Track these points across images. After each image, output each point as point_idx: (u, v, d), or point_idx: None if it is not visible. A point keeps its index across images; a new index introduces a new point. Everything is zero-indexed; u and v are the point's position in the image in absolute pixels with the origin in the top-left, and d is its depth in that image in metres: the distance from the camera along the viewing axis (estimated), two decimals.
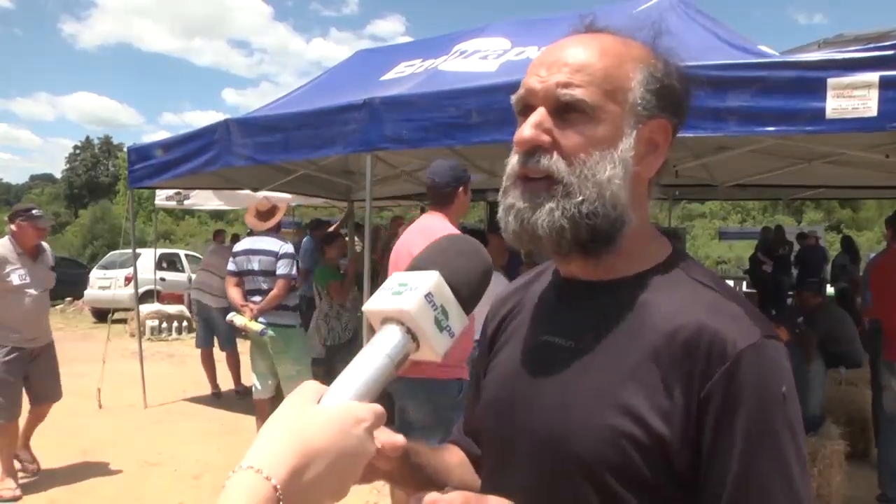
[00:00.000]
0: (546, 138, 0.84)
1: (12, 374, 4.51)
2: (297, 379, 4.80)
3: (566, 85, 0.83)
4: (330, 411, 0.66)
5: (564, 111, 0.84)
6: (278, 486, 0.58)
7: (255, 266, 5.00)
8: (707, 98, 3.23)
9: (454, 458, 1.06)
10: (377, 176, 6.08)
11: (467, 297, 0.78)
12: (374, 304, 0.76)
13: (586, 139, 0.83)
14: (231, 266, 5.14)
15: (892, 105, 2.92)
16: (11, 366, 4.49)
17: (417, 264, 0.80)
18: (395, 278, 0.78)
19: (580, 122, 0.83)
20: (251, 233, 5.59)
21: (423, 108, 4.31)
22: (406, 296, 0.74)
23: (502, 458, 0.92)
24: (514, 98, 0.90)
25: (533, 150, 0.84)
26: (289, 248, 5.09)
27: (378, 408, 0.68)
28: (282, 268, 4.95)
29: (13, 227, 4.65)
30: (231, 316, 4.99)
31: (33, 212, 4.74)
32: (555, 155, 0.84)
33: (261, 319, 4.89)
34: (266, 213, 5.23)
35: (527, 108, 0.87)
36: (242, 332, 5.00)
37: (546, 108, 0.85)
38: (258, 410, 5.11)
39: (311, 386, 0.70)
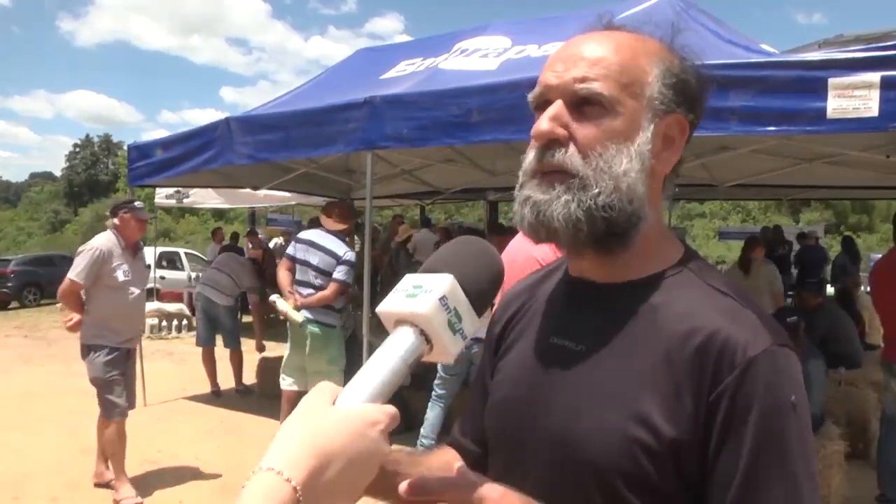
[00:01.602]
0: (562, 131, 0.83)
1: (117, 371, 4.32)
2: (326, 376, 4.82)
3: (583, 79, 0.83)
4: (346, 413, 0.66)
5: (581, 105, 0.84)
6: (298, 488, 0.59)
7: (314, 261, 4.99)
8: (709, 97, 3.23)
9: (449, 458, 1.05)
10: (377, 175, 6.08)
11: (479, 300, 0.79)
12: (388, 305, 0.77)
13: (603, 132, 0.83)
14: (290, 250, 5.17)
15: (893, 105, 2.92)
16: (114, 364, 4.30)
17: (430, 267, 0.80)
18: (408, 280, 0.79)
19: (597, 115, 0.83)
20: (311, 224, 5.46)
21: (424, 106, 4.31)
22: (421, 298, 0.74)
23: (512, 458, 0.92)
24: (530, 95, 0.89)
25: (549, 144, 0.84)
26: (351, 255, 5.05)
27: (392, 409, 0.69)
28: (340, 273, 4.95)
29: (116, 220, 4.41)
30: (274, 298, 5.01)
31: (135, 203, 4.54)
32: (571, 148, 0.83)
33: (304, 312, 4.91)
34: (342, 217, 5.22)
35: (544, 104, 0.86)
36: (281, 317, 5.03)
37: (563, 101, 0.84)
38: (285, 401, 5.12)
39: (326, 387, 0.70)
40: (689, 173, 6.77)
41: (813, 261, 11.17)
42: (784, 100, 3.17)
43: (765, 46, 3.92)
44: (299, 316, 4.91)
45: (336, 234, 5.11)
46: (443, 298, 0.74)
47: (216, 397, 7.14)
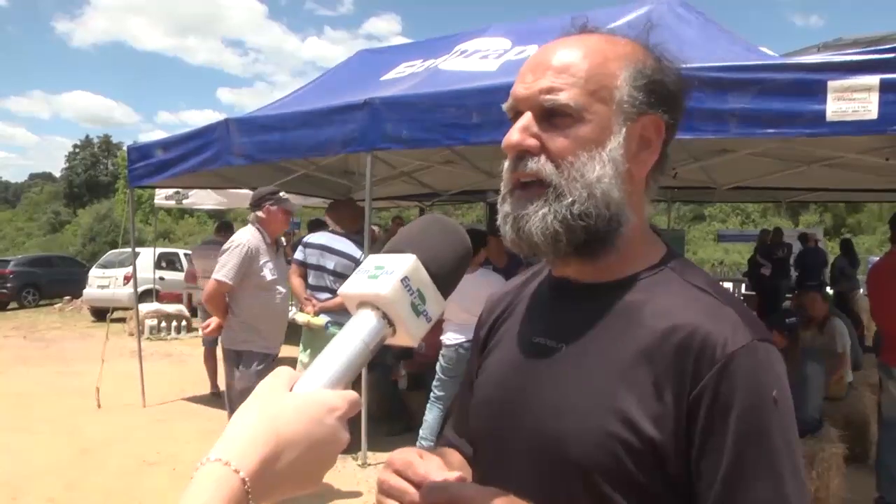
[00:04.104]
0: (533, 142, 0.85)
1: None
2: None
3: (549, 90, 0.83)
4: (302, 399, 0.64)
5: (550, 116, 0.84)
6: (247, 479, 0.57)
7: (330, 265, 4.94)
8: (707, 100, 3.24)
9: (454, 459, 1.06)
10: (376, 176, 6.08)
11: (445, 281, 0.77)
12: (350, 287, 0.74)
13: (573, 141, 0.84)
14: (299, 255, 5.08)
15: (893, 108, 2.92)
16: (266, 374, 4.06)
17: (394, 247, 0.78)
18: (371, 261, 0.77)
19: (566, 125, 0.84)
20: (312, 225, 5.30)
21: (424, 108, 4.31)
22: (382, 280, 0.72)
23: (496, 458, 0.92)
24: (505, 106, 0.90)
25: (521, 155, 0.85)
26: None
27: (352, 395, 0.67)
28: None
29: (261, 213, 4.05)
30: (293, 315, 4.91)
31: (281, 194, 4.18)
32: (542, 158, 0.84)
33: (323, 315, 4.86)
34: (351, 219, 5.12)
35: (518, 115, 0.87)
36: (307, 328, 4.95)
37: (532, 113, 0.85)
38: None
39: (283, 372, 0.68)
40: (688, 176, 6.77)
41: (813, 263, 11.16)
42: (783, 102, 3.17)
43: (764, 49, 3.93)
44: (321, 320, 4.82)
45: (347, 236, 5.04)
46: (405, 279, 0.72)
47: (215, 398, 7.13)
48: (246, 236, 3.96)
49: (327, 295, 4.91)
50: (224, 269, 3.85)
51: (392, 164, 7.51)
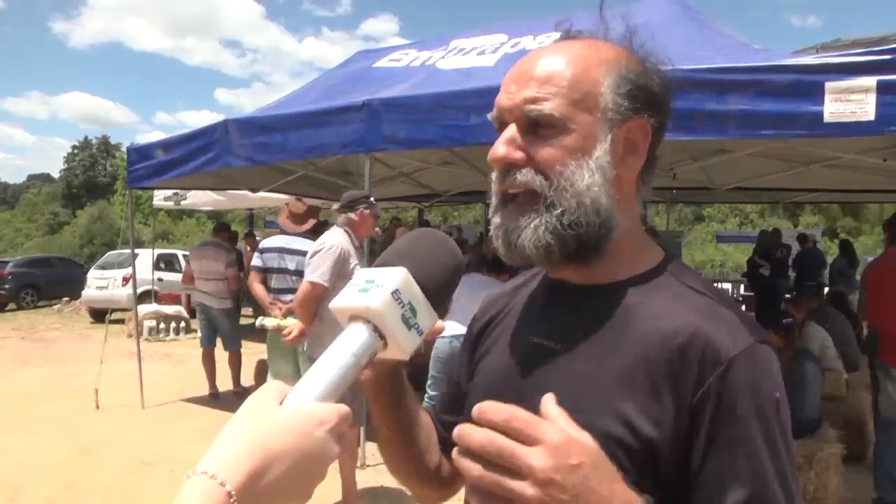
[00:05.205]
0: (519, 154, 0.84)
1: (360, 394, 3.86)
2: None
3: (533, 100, 0.83)
4: (291, 412, 0.64)
5: (535, 126, 0.84)
6: (233, 493, 0.57)
7: (291, 266, 4.87)
8: (706, 101, 3.25)
9: (426, 419, 1.06)
10: (375, 177, 6.08)
11: (436, 294, 0.77)
12: (341, 301, 0.75)
13: (559, 151, 0.83)
14: (257, 262, 4.99)
15: (890, 109, 2.93)
16: (356, 386, 3.83)
17: (385, 260, 0.78)
18: (362, 275, 0.77)
19: (551, 135, 0.84)
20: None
21: (422, 109, 4.32)
22: (372, 293, 0.72)
23: None
24: (490, 116, 0.90)
25: (508, 167, 0.85)
26: None
27: (343, 408, 0.67)
28: None
29: (354, 216, 3.97)
30: (261, 321, 4.80)
31: (371, 198, 4.12)
32: (530, 170, 0.84)
33: (290, 317, 4.78)
34: (301, 216, 5.03)
35: (503, 125, 0.87)
36: (274, 332, 4.78)
37: (517, 123, 0.85)
38: None
39: (274, 386, 0.68)
40: (687, 176, 6.79)
41: (811, 264, 11.17)
42: (782, 103, 3.18)
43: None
44: (289, 321, 4.65)
45: (303, 234, 4.94)
46: (395, 292, 0.72)
47: (213, 399, 7.14)
48: (337, 238, 3.86)
49: (290, 296, 4.79)
50: (318, 270, 3.73)
51: (391, 165, 7.53)
